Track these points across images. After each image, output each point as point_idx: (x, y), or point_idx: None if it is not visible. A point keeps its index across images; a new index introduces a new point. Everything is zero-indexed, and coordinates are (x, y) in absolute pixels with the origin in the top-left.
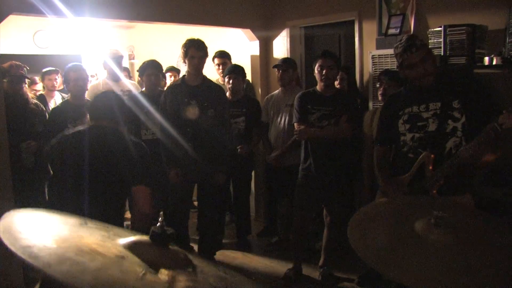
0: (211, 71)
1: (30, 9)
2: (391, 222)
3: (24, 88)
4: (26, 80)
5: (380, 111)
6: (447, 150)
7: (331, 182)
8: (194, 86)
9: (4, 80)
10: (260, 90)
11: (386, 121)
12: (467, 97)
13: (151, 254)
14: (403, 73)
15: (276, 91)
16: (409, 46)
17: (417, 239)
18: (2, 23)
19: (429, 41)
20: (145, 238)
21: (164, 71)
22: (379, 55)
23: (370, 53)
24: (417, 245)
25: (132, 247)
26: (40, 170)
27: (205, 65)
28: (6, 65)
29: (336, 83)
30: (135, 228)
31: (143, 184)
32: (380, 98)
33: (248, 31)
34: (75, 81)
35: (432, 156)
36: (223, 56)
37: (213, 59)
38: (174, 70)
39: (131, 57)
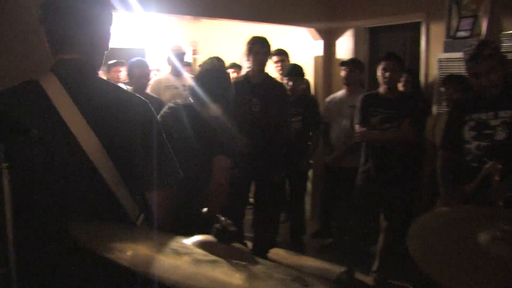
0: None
1: None
2: (453, 232)
3: None
4: None
5: (446, 116)
6: None
7: (391, 186)
8: (256, 83)
9: None
10: (322, 89)
11: (452, 127)
12: None
13: (220, 252)
14: (470, 80)
15: (339, 92)
16: (476, 55)
17: (481, 251)
18: None
19: (503, 44)
20: (209, 237)
21: (226, 67)
22: (446, 59)
23: (437, 56)
24: (480, 258)
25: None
26: None
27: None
28: None
29: (400, 85)
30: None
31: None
32: (445, 103)
33: (312, 30)
34: (138, 78)
35: (500, 166)
36: (281, 54)
37: (271, 57)
38: (236, 66)
39: (194, 52)
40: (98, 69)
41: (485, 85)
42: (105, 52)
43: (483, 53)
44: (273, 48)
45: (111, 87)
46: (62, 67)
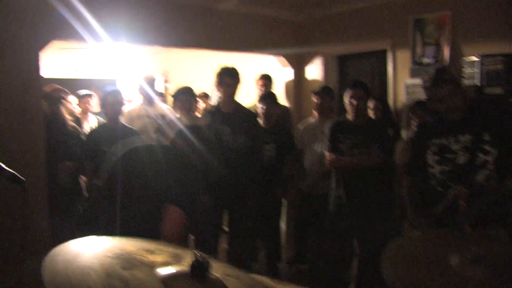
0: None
1: (70, 36)
2: (426, 257)
3: (62, 109)
4: (64, 102)
5: (410, 140)
6: (478, 183)
7: (363, 211)
8: (227, 112)
9: (44, 103)
10: (292, 115)
11: (416, 151)
12: (499, 129)
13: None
14: (432, 106)
15: (312, 119)
16: (437, 80)
17: (453, 274)
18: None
19: (464, 70)
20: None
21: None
22: (413, 84)
23: (404, 82)
24: (453, 281)
25: (171, 280)
26: (74, 191)
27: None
28: (48, 88)
29: (371, 113)
30: None
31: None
32: (415, 129)
33: (282, 58)
34: (112, 105)
35: (466, 191)
36: (266, 78)
37: (257, 81)
38: (204, 96)
39: (166, 82)
40: None
41: (449, 108)
42: None
43: (444, 77)
44: (244, 75)
45: None
46: None
